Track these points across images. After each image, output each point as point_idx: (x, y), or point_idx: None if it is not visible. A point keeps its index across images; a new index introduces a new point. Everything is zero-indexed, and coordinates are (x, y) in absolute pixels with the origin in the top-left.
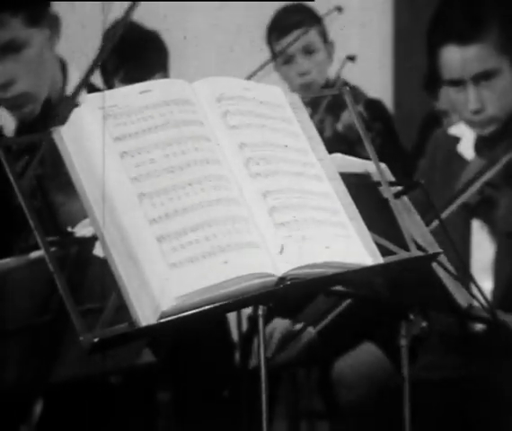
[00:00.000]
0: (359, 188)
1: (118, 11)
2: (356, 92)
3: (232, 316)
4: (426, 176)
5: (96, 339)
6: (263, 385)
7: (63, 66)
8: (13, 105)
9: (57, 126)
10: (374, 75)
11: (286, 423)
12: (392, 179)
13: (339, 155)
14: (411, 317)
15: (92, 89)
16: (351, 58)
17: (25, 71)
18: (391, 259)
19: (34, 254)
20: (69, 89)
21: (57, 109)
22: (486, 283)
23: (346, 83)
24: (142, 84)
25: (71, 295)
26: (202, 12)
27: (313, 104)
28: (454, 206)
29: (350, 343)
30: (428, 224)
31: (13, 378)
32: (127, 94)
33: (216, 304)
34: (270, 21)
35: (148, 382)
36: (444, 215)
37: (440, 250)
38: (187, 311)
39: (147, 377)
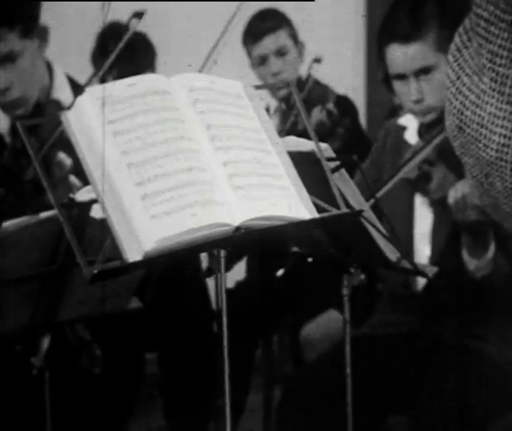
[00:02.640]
0: (307, 163)
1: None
2: (325, 90)
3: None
4: (377, 159)
5: (95, 271)
6: (224, 326)
7: (49, 69)
8: (9, 108)
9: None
10: (346, 72)
11: (262, 392)
12: (333, 155)
13: (292, 138)
14: (352, 270)
15: (76, 86)
16: (317, 60)
17: (20, 78)
18: (324, 214)
19: (44, 214)
20: (55, 87)
21: (46, 108)
22: (426, 249)
23: (317, 82)
24: (129, 79)
25: (75, 238)
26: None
27: (286, 100)
28: (394, 180)
29: (316, 310)
30: (370, 197)
31: (26, 318)
32: (118, 87)
33: (187, 246)
34: (245, 26)
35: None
36: (386, 188)
37: (363, 209)
38: (164, 251)
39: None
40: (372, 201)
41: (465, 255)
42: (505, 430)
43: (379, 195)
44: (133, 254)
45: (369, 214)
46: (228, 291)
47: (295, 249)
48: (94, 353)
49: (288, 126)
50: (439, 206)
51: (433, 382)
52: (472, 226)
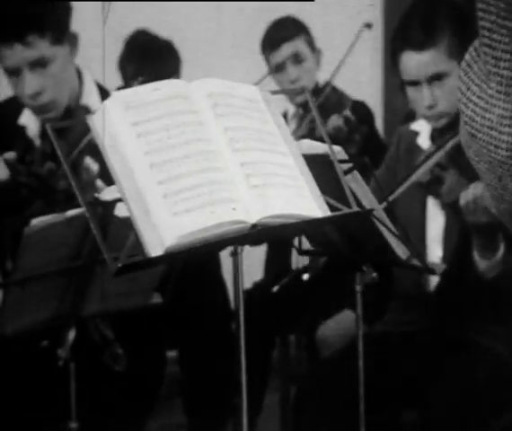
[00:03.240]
0: (321, 165)
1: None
2: (342, 96)
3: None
4: (391, 164)
5: (120, 265)
6: (241, 318)
7: (79, 75)
8: (40, 111)
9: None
10: (364, 79)
11: (279, 392)
12: (346, 158)
13: (307, 141)
14: (364, 269)
15: (104, 92)
16: (368, 26)
17: (51, 83)
18: (336, 213)
19: (70, 212)
20: (85, 93)
21: (76, 113)
22: (438, 250)
23: (334, 88)
24: (152, 84)
25: (101, 235)
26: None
27: (304, 106)
28: (406, 184)
29: (332, 311)
30: (383, 200)
31: (52, 311)
32: (141, 92)
33: (206, 243)
34: (263, 35)
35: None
36: (398, 191)
37: (373, 208)
38: (184, 247)
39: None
40: (384, 204)
41: (476, 256)
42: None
43: (391, 198)
44: (155, 249)
45: (380, 213)
46: (246, 291)
47: (309, 247)
48: (116, 351)
49: (306, 130)
50: (451, 208)
51: (444, 379)
52: (483, 228)
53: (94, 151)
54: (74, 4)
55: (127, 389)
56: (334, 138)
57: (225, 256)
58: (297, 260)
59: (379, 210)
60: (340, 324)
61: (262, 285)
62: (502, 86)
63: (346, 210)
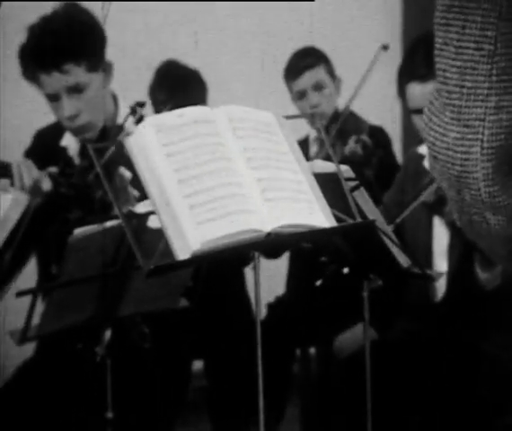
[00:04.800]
0: (331, 182)
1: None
2: (360, 121)
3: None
4: (400, 184)
5: (152, 267)
6: (258, 321)
7: (115, 99)
8: (78, 132)
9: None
10: (384, 103)
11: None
12: (353, 176)
13: (319, 161)
14: (371, 276)
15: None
16: (385, 48)
17: (87, 107)
18: (342, 224)
19: (108, 223)
20: (120, 116)
21: (111, 133)
22: (443, 264)
23: (352, 113)
24: (180, 110)
25: (135, 240)
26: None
27: (324, 131)
28: (411, 207)
29: (348, 323)
30: (390, 222)
31: (91, 312)
32: (171, 117)
33: (227, 248)
34: (286, 64)
35: (182, 352)
36: (404, 214)
37: (374, 219)
38: (208, 251)
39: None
40: (392, 226)
41: (478, 269)
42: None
43: (399, 220)
44: (183, 253)
45: (383, 225)
46: (268, 304)
47: (323, 258)
48: (143, 331)
49: (325, 153)
50: (454, 226)
51: (449, 383)
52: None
53: (127, 162)
54: None
55: (155, 387)
56: (352, 161)
57: (248, 271)
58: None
59: (382, 222)
60: (356, 336)
61: (283, 299)
62: (454, 114)
63: (350, 221)
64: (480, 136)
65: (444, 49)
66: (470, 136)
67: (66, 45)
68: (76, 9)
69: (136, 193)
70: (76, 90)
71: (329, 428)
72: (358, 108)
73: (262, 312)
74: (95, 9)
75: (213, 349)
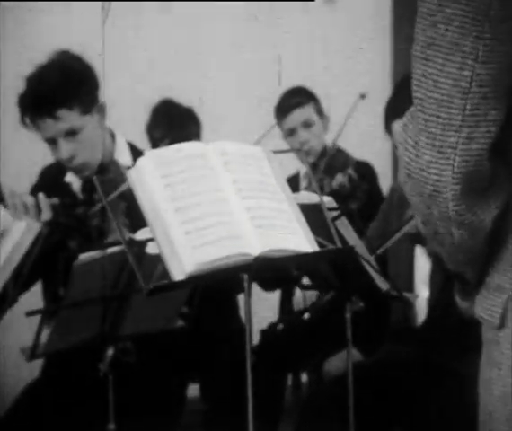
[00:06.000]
0: (315, 212)
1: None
2: (347, 157)
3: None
4: (385, 214)
5: (151, 287)
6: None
7: (112, 135)
8: (77, 171)
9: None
10: (376, 139)
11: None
12: (335, 206)
13: (304, 193)
14: (353, 299)
15: (135, 150)
16: (363, 96)
17: (82, 148)
18: (324, 249)
19: (110, 250)
20: (117, 151)
21: (109, 168)
22: (425, 291)
23: (339, 150)
24: (176, 145)
25: (137, 265)
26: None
27: (314, 166)
28: (396, 238)
29: (337, 347)
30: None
31: (95, 330)
32: (168, 151)
33: (218, 270)
34: (277, 102)
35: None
36: (386, 245)
37: (353, 245)
38: (202, 273)
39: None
40: (374, 256)
41: (457, 298)
42: None
43: (380, 251)
44: (178, 275)
45: (363, 250)
46: (262, 331)
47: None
48: (127, 346)
49: (313, 188)
50: (435, 256)
51: (428, 401)
52: (460, 276)
53: (122, 193)
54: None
55: (153, 403)
56: (339, 193)
57: (242, 299)
58: (305, 302)
59: (362, 248)
60: (343, 359)
61: (276, 325)
62: (430, 140)
63: (331, 246)
64: (451, 162)
65: (422, 81)
66: (442, 161)
67: (58, 93)
68: (69, 57)
69: (127, 222)
70: (71, 133)
71: None
72: (350, 144)
73: (255, 338)
74: (95, 10)
75: (208, 372)
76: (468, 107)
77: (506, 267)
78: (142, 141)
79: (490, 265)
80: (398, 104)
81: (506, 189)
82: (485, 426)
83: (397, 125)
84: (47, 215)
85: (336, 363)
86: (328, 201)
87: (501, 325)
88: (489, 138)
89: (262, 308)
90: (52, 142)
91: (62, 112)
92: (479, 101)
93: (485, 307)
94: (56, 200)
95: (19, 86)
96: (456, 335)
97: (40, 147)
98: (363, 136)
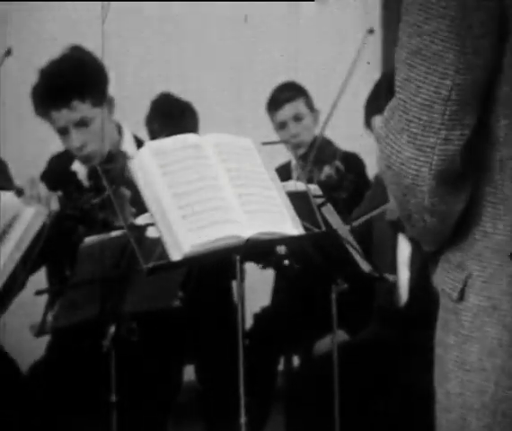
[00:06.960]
0: (302, 199)
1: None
2: (334, 149)
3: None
4: (369, 202)
5: (151, 266)
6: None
7: (119, 128)
8: (85, 160)
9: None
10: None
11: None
12: (320, 193)
13: (292, 182)
14: (338, 281)
15: (139, 141)
16: (371, 31)
17: (92, 138)
18: (309, 232)
19: (113, 233)
20: (124, 142)
21: (116, 157)
22: (406, 272)
23: (328, 141)
24: (174, 137)
25: (137, 245)
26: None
27: (304, 157)
28: (370, 215)
29: (326, 330)
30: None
31: (98, 309)
32: (166, 142)
33: (212, 251)
34: (268, 97)
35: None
36: (363, 219)
37: (337, 228)
38: (197, 253)
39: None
40: (348, 227)
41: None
42: None
43: (356, 223)
44: (175, 255)
45: (346, 234)
46: (255, 314)
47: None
48: (131, 326)
49: (305, 178)
50: (414, 241)
51: (410, 376)
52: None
53: (127, 182)
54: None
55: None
56: (326, 184)
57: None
58: None
59: (345, 232)
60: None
61: (268, 309)
62: (411, 139)
63: (316, 230)
64: (429, 160)
65: (406, 84)
66: (422, 159)
67: (73, 84)
68: (81, 52)
69: (133, 210)
70: (83, 124)
71: None
72: (339, 135)
73: (248, 322)
74: (95, 9)
75: (203, 353)
76: (447, 112)
77: (468, 248)
78: (141, 134)
79: (454, 243)
80: (378, 101)
81: (472, 182)
82: (441, 385)
83: (378, 120)
84: (54, 206)
85: (325, 344)
86: (314, 189)
87: (460, 298)
88: (463, 140)
89: (256, 293)
90: (64, 132)
91: (76, 103)
92: (457, 107)
93: (446, 281)
94: (60, 193)
95: (19, 85)
96: (436, 314)
97: (39, 143)
98: (352, 128)
